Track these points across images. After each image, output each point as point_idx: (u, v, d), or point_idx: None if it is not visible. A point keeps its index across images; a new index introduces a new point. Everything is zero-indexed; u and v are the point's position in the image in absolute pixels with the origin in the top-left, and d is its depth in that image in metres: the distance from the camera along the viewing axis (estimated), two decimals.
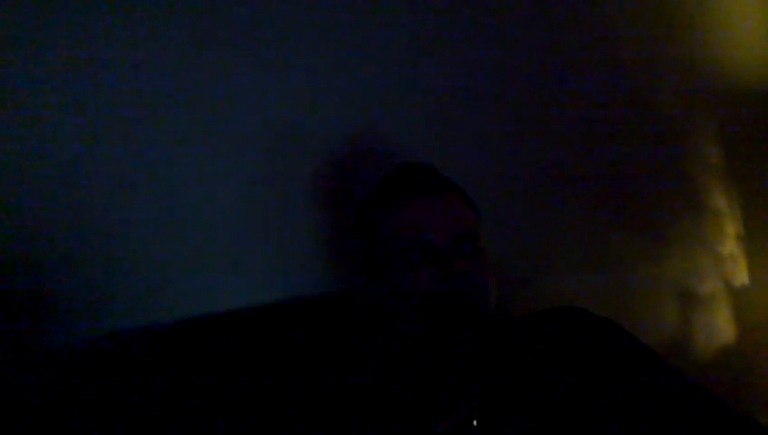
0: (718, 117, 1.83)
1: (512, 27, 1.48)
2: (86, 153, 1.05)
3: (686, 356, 1.70)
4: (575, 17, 1.59)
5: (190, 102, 1.13)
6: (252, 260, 1.18)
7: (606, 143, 1.62)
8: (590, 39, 1.62)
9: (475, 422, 0.93)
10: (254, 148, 1.20)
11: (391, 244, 0.98)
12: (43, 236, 1.02)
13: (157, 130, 1.11)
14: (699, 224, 1.78)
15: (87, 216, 1.05)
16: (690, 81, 1.79)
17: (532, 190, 1.50)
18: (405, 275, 0.96)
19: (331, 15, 1.27)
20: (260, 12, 1.20)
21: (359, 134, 1.28)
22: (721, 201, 1.82)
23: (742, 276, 1.85)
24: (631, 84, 1.68)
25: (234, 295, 1.15)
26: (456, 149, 1.39)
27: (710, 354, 1.76)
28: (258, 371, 1.07)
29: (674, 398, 0.96)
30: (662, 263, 1.69)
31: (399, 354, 0.99)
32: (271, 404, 1.01)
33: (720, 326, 1.80)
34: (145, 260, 1.09)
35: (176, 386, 1.02)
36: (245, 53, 1.18)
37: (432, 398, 0.96)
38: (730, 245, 1.84)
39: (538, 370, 0.97)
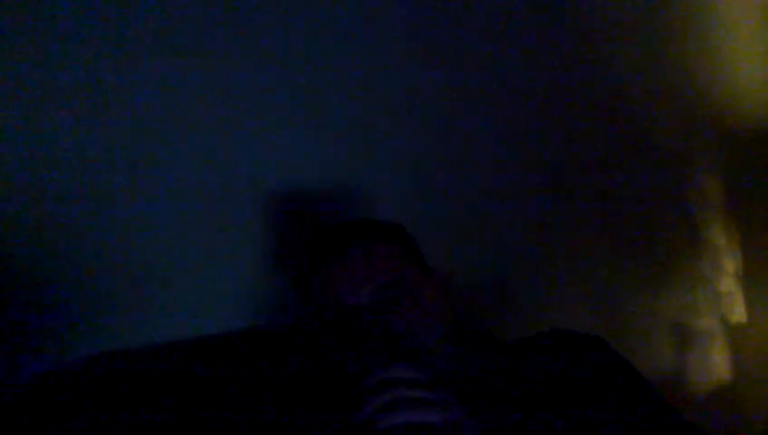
0: (719, 152, 1.84)
1: (512, 58, 1.49)
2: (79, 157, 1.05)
3: (680, 391, 1.69)
4: (575, 48, 1.60)
5: (193, 104, 1.14)
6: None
7: (605, 175, 1.62)
8: (589, 71, 1.62)
9: None
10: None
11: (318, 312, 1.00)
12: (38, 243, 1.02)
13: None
14: (697, 259, 1.77)
15: (80, 223, 1.05)
16: (692, 116, 1.79)
17: (527, 217, 1.50)
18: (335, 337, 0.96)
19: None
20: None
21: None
22: (720, 237, 1.82)
23: (739, 313, 1.85)
24: (631, 116, 1.68)
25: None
26: (444, 174, 1.39)
27: (705, 391, 1.74)
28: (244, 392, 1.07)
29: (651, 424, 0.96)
30: (658, 296, 1.69)
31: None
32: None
33: (716, 363, 1.79)
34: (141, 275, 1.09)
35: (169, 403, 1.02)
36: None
37: None
38: (728, 281, 1.83)
39: (525, 394, 0.97)
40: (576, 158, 1.58)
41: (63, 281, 1.03)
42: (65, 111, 1.04)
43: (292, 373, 1.09)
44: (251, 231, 1.19)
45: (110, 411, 1.00)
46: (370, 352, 0.93)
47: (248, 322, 1.18)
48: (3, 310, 1.00)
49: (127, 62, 1.08)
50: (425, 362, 0.93)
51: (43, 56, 1.02)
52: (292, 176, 1.22)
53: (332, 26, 1.26)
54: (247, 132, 1.18)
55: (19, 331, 1.00)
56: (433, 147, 1.38)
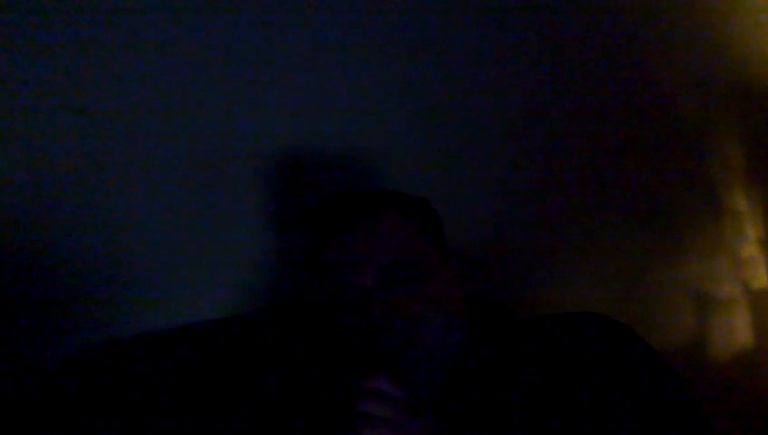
0: (739, 117, 1.80)
1: (517, 17, 1.45)
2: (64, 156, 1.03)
3: (703, 360, 1.67)
4: (591, 12, 1.56)
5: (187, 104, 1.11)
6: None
7: (622, 142, 1.60)
8: (607, 34, 1.59)
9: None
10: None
11: (322, 291, 0.94)
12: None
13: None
14: (718, 226, 1.74)
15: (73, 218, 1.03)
16: (710, 79, 1.75)
17: (544, 190, 1.47)
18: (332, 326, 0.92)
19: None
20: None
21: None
22: (741, 203, 1.79)
23: (761, 280, 1.82)
24: (648, 82, 1.65)
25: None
26: (457, 145, 1.36)
27: (728, 358, 1.73)
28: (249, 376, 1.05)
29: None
30: (679, 265, 1.66)
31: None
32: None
33: (738, 330, 1.77)
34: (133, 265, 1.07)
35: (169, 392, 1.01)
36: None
37: None
38: (750, 248, 1.80)
39: (544, 374, 0.93)
40: (593, 127, 1.55)
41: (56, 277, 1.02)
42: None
43: (276, 366, 1.05)
44: (249, 207, 1.16)
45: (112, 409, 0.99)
46: (356, 355, 0.88)
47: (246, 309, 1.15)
48: None
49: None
50: (417, 374, 0.87)
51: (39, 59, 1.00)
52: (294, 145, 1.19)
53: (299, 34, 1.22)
54: (247, 97, 1.16)
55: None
56: (444, 112, 1.35)
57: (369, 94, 1.28)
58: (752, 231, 1.80)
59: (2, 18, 0.98)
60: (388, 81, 1.30)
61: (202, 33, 1.13)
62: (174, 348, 1.06)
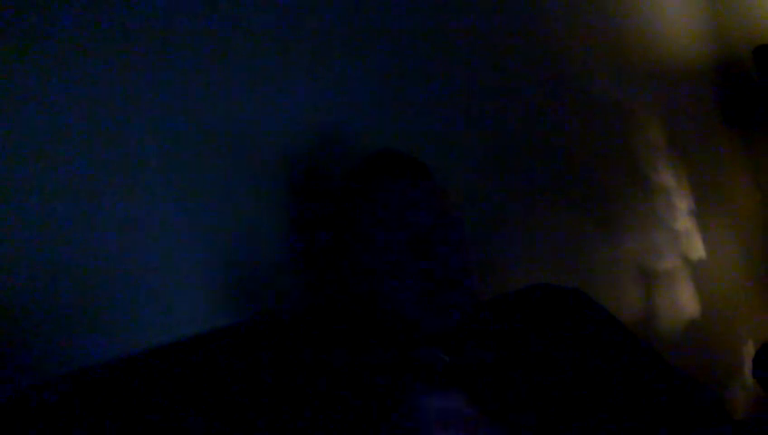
0: (658, 97, 1.89)
1: (451, 22, 1.51)
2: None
3: (652, 332, 1.72)
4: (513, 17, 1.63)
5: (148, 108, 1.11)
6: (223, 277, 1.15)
7: (555, 132, 1.66)
8: (528, 32, 1.65)
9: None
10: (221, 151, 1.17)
11: (376, 229, 0.99)
12: None
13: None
14: (651, 202, 1.81)
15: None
16: (625, 63, 1.84)
17: (489, 183, 1.51)
18: (394, 261, 0.96)
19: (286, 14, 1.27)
20: (219, 11, 1.19)
21: (321, 129, 1.28)
22: (669, 179, 1.87)
23: (698, 250, 1.89)
24: (572, 74, 1.72)
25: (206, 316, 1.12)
26: (414, 135, 1.40)
27: (676, 329, 1.78)
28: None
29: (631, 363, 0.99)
30: (620, 243, 1.72)
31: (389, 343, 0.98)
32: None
33: (683, 301, 1.83)
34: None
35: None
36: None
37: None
38: (683, 221, 1.88)
39: (517, 346, 0.99)
40: (526, 119, 1.61)
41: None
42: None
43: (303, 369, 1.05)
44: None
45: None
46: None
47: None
48: None
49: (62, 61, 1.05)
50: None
51: None
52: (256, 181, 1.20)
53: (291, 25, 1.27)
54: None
55: None
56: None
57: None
58: (683, 205, 1.88)
59: None
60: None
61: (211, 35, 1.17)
62: (197, 351, 1.04)
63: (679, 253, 1.85)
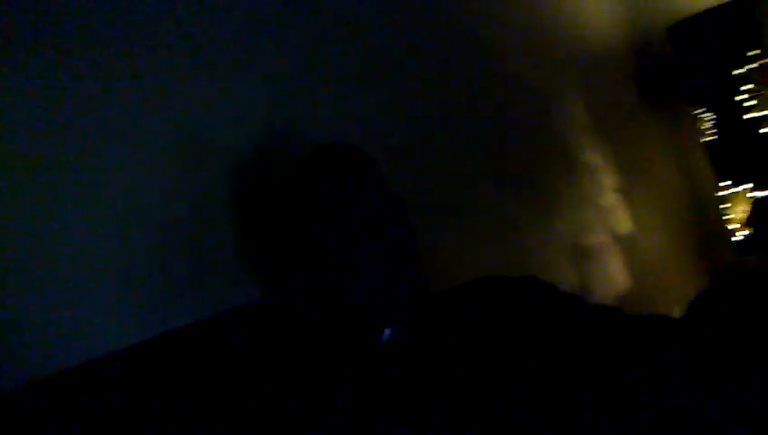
0: (580, 79, 1.95)
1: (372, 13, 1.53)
2: None
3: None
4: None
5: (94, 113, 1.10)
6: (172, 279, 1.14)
7: (483, 122, 1.70)
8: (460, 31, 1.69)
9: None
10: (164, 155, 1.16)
11: (330, 217, 1.02)
12: None
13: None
14: (579, 181, 1.88)
15: None
16: (547, 49, 1.89)
17: (425, 171, 1.54)
18: (350, 247, 1.00)
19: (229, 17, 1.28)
20: (165, 14, 1.19)
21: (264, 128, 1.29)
22: (595, 158, 1.93)
23: (626, 225, 1.97)
24: (493, 61, 1.76)
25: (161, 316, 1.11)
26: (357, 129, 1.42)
27: (609, 301, 1.85)
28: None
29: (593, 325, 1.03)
30: (552, 221, 1.78)
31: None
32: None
33: (615, 274, 1.90)
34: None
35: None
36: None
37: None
38: (611, 197, 1.95)
39: (474, 336, 1.02)
40: (457, 109, 1.65)
41: None
42: None
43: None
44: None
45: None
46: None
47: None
48: None
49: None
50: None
51: None
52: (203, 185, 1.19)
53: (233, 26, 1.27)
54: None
55: None
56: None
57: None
58: (609, 182, 1.95)
59: None
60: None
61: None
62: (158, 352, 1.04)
63: (608, 228, 1.92)
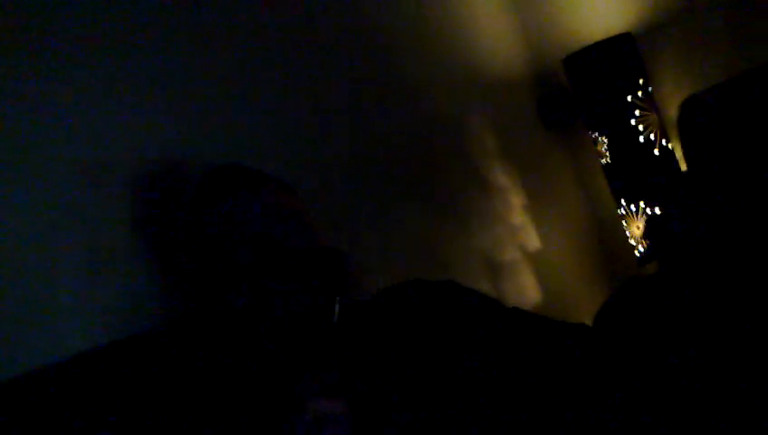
0: (487, 108, 2.08)
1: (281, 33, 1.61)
2: None
3: None
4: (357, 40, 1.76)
5: None
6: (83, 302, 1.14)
7: (401, 145, 1.80)
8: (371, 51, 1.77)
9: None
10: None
11: (224, 241, 1.03)
12: None
13: None
14: (490, 200, 1.98)
15: None
16: (455, 80, 2.02)
17: (344, 189, 1.61)
18: (244, 271, 1.00)
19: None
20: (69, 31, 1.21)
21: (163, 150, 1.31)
22: (503, 179, 2.05)
23: (534, 242, 2.08)
24: (415, 95, 1.88)
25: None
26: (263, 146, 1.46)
27: None
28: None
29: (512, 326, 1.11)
30: (469, 239, 1.87)
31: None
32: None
33: (526, 288, 2.00)
34: None
35: None
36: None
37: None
38: (519, 215, 2.06)
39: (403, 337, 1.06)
40: (376, 133, 1.74)
41: None
42: None
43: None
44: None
45: None
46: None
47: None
48: None
49: None
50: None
51: None
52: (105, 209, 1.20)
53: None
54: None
55: None
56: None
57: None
58: (517, 201, 2.07)
59: None
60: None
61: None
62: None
63: (518, 245, 2.03)
